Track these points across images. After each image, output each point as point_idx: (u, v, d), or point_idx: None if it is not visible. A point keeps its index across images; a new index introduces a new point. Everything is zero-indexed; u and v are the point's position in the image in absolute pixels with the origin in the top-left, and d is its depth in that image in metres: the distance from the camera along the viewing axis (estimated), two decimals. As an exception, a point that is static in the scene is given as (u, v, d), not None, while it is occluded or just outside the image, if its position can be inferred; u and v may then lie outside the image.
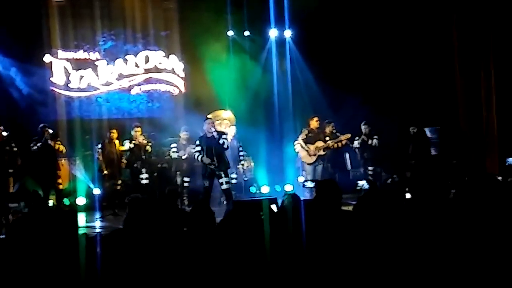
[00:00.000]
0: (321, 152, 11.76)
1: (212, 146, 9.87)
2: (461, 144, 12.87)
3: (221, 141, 9.87)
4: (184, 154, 11.78)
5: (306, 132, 11.90)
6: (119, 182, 11.66)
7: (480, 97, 13.43)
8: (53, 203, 11.29)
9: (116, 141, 11.60)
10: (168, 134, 12.59)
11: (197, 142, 10.15)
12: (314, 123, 11.95)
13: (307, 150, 11.81)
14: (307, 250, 4.12)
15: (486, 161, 12.92)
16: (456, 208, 4.11)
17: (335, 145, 11.84)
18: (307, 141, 11.83)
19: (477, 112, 13.47)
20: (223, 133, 10.30)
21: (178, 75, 14.04)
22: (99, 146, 11.49)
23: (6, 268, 4.18)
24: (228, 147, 10.33)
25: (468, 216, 3.97)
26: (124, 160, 11.59)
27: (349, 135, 11.91)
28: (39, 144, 10.91)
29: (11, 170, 11.08)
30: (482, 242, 3.81)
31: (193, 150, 10.42)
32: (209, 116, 11.21)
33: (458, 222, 3.98)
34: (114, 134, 11.62)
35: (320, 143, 11.76)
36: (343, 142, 11.87)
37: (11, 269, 4.15)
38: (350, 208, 5.03)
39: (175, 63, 13.96)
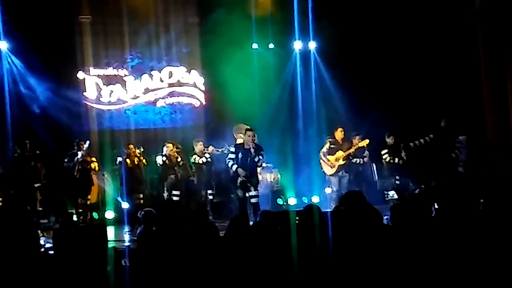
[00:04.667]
0: (341, 162, 11.75)
1: (248, 158, 9.91)
2: (489, 154, 12.70)
3: (256, 159, 9.94)
4: (206, 158, 11.98)
5: (328, 144, 11.91)
6: (141, 196, 11.77)
7: (507, 105, 13.26)
8: (82, 217, 11.43)
9: (137, 153, 11.78)
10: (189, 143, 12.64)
11: (233, 149, 10.22)
12: (339, 134, 11.94)
13: (327, 162, 11.84)
14: (334, 261, 4.12)
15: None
16: (485, 219, 4.08)
17: (354, 152, 11.82)
18: (328, 153, 11.85)
19: (504, 120, 13.30)
20: (261, 149, 10.22)
21: (199, 89, 14.65)
22: (118, 160, 11.79)
23: (42, 280, 4.26)
24: (262, 165, 10.36)
25: (498, 226, 3.93)
26: (142, 174, 11.94)
27: (367, 141, 11.89)
28: (75, 159, 11.13)
29: (37, 185, 11.30)
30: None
31: (227, 158, 10.60)
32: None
33: (488, 232, 3.94)
34: (132, 148, 11.77)
35: (339, 153, 11.77)
36: (360, 147, 11.86)
37: (47, 281, 4.23)
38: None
39: (196, 77, 14.60)
